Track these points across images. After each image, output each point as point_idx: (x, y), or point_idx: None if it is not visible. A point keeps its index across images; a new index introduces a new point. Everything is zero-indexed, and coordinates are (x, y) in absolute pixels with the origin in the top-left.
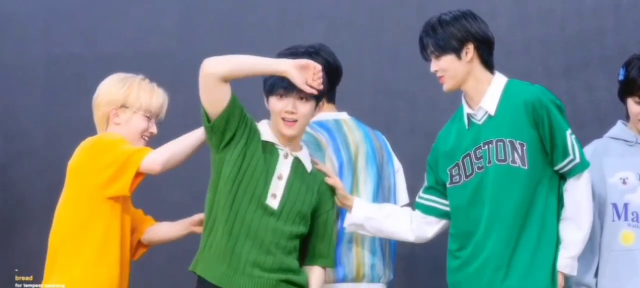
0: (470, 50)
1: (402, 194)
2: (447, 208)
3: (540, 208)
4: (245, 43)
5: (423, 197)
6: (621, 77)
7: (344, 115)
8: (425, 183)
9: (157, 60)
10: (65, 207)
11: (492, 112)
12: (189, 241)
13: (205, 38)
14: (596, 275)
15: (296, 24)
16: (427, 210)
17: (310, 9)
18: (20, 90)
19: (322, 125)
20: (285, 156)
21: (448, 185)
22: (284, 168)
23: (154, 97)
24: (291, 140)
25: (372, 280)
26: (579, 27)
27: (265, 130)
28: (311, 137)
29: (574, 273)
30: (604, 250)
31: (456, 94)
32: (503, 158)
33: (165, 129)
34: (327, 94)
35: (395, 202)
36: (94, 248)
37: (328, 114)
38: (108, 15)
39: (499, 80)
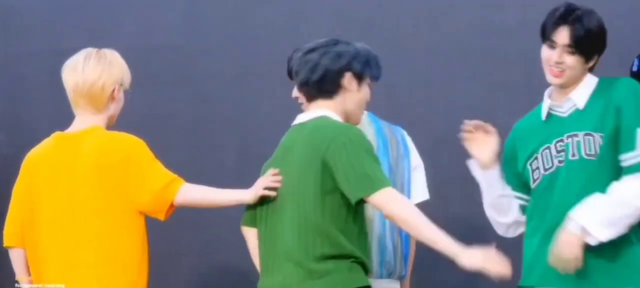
0: (595, 61)
1: (419, 191)
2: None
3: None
4: (252, 38)
5: (520, 197)
6: (634, 68)
7: None
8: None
9: (163, 55)
10: (96, 213)
11: (581, 105)
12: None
13: (211, 33)
14: None
15: (304, 18)
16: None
17: (318, 3)
18: (25, 84)
19: None
20: None
21: (532, 186)
22: None
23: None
24: None
25: (380, 277)
26: None
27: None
28: None
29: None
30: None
31: (462, 88)
32: (592, 152)
33: (170, 124)
34: None
35: (408, 198)
36: (136, 259)
37: None
38: (113, 9)
39: (592, 77)
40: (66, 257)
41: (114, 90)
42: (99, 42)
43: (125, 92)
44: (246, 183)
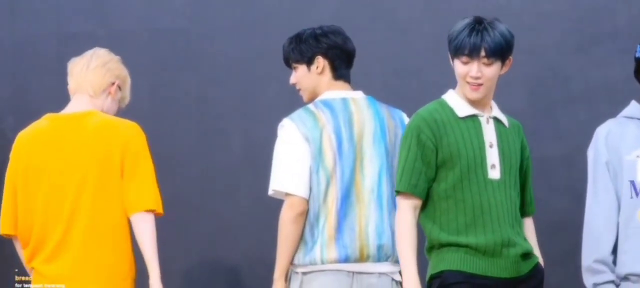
0: None
1: None
2: None
3: None
4: (257, 21)
5: None
6: (638, 54)
7: (354, 94)
8: None
9: (169, 38)
10: (94, 188)
11: None
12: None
13: (217, 16)
14: (613, 252)
15: (309, 1)
16: None
17: None
18: (32, 70)
19: (326, 103)
20: (487, 121)
21: None
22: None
23: None
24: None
25: (378, 260)
26: (590, 3)
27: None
28: (310, 114)
29: None
30: (622, 227)
31: None
32: None
33: (175, 107)
34: (337, 72)
35: None
36: (129, 241)
37: (337, 92)
38: None
39: None
40: (60, 232)
41: (113, 84)
42: (106, 26)
43: (119, 106)
44: (251, 166)
